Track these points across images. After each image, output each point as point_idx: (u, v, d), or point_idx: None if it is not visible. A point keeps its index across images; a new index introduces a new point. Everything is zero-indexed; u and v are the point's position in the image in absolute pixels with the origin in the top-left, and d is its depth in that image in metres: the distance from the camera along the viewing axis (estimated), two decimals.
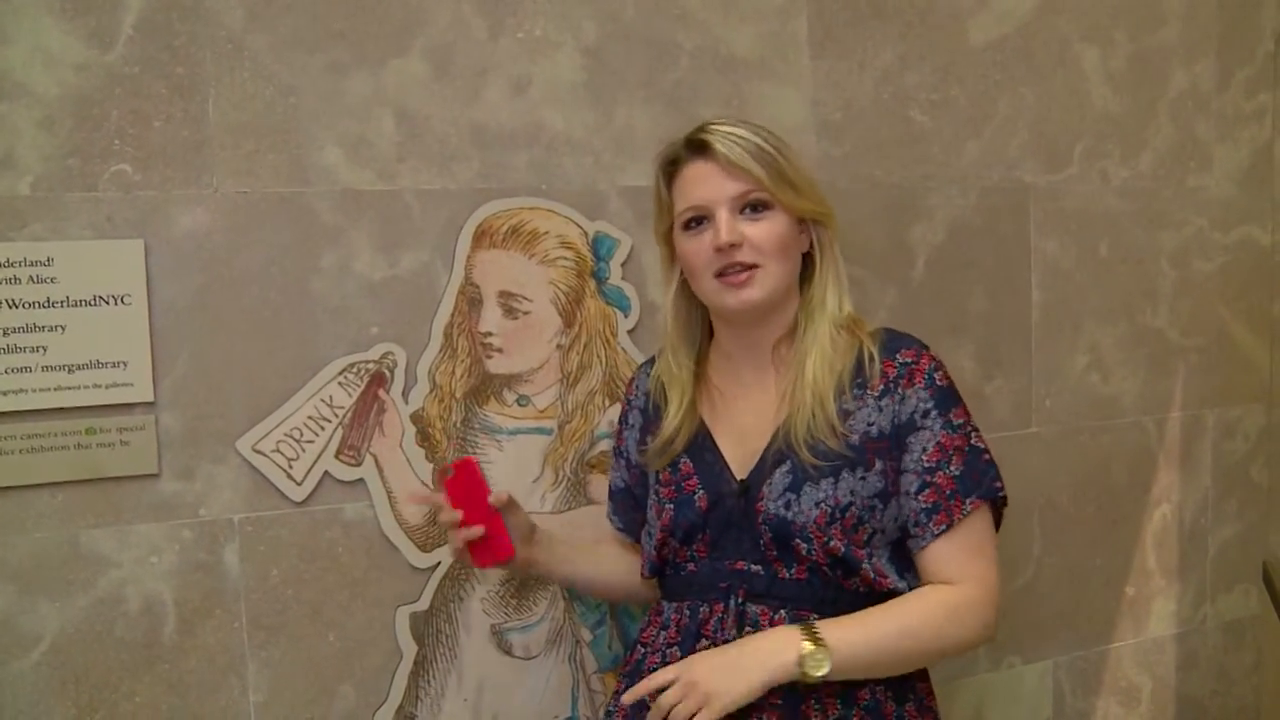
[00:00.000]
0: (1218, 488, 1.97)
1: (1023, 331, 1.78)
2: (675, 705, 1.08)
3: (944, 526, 1.15)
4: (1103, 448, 1.86)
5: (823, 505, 1.14)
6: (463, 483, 1.27)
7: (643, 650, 1.26)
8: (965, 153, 1.72)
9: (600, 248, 1.47)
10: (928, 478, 1.15)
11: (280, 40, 1.33)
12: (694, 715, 1.07)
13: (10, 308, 1.23)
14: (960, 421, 1.18)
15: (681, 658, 1.18)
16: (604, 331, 1.48)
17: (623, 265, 1.49)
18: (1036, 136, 1.77)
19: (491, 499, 1.26)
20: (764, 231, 1.15)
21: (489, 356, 1.42)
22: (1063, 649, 1.85)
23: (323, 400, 1.36)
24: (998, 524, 1.22)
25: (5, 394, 1.23)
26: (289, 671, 1.37)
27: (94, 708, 1.29)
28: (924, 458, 1.15)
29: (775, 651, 1.08)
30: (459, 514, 1.26)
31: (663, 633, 1.23)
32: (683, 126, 1.49)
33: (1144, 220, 1.87)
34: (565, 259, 1.45)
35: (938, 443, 1.16)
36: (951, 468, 1.15)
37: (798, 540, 1.15)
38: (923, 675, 1.23)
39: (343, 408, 1.37)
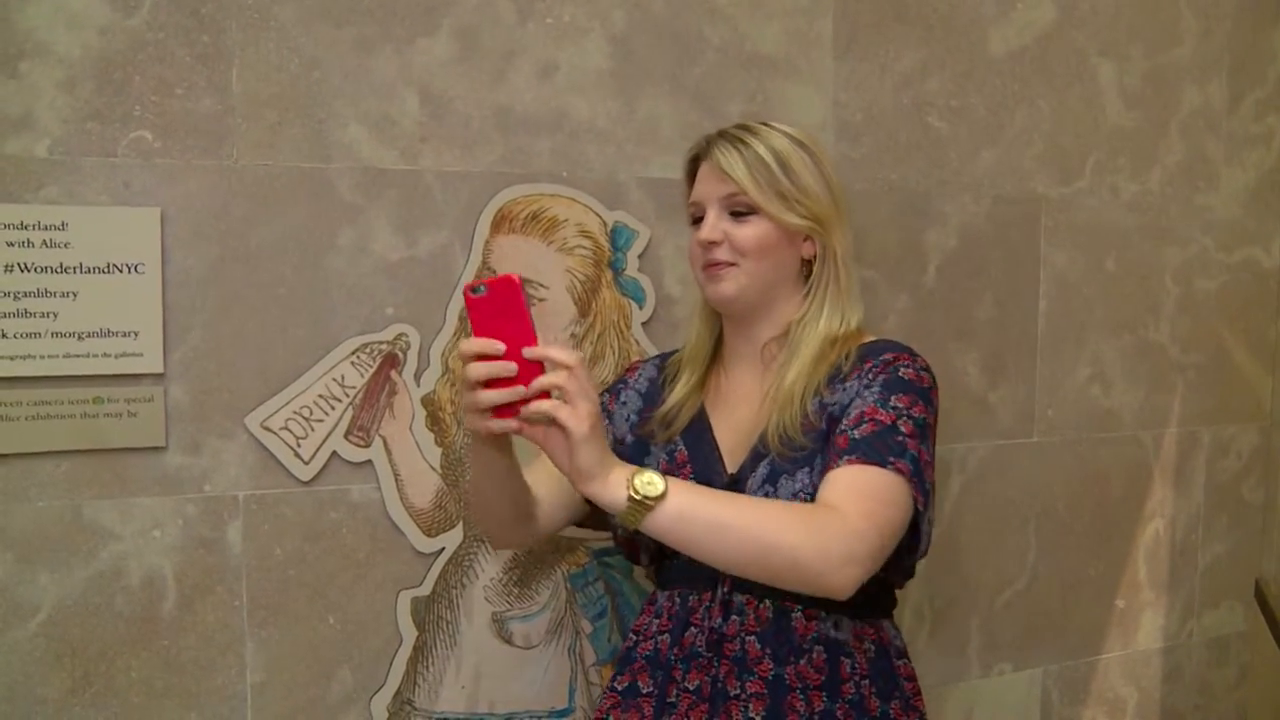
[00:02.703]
0: (1210, 505, 1.99)
1: (1028, 341, 1.79)
2: (562, 388, 0.99)
3: (818, 472, 1.12)
4: (1101, 460, 1.87)
5: (800, 495, 1.14)
6: (498, 308, 0.99)
7: (635, 638, 1.26)
8: (980, 161, 1.72)
9: (618, 238, 1.46)
10: (835, 437, 1.13)
11: (307, 12, 1.31)
12: (562, 407, 0.98)
13: (22, 271, 1.21)
14: (900, 405, 1.13)
15: (671, 645, 1.19)
16: (618, 323, 1.47)
17: (640, 257, 1.48)
18: (1050, 148, 1.78)
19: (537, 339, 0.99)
20: (744, 234, 1.19)
21: None
22: (1053, 657, 1.86)
23: (334, 379, 1.34)
24: (918, 521, 1.15)
25: (13, 359, 1.21)
26: (287, 652, 1.35)
27: (89, 681, 1.27)
28: (845, 421, 1.13)
29: (625, 466, 1.02)
30: (494, 343, 0.98)
31: (655, 620, 1.24)
32: (705, 120, 1.51)
33: (1150, 236, 1.89)
34: (583, 248, 1.44)
35: (861, 411, 1.13)
36: (857, 432, 1.11)
37: None
38: (909, 675, 1.23)
39: (354, 388, 1.35)
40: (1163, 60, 1.87)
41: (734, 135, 1.20)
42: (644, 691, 1.20)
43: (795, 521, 1.05)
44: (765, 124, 1.22)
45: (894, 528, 1.09)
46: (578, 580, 1.48)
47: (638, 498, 1.00)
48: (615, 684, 1.24)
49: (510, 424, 1.00)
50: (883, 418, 1.12)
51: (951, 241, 1.71)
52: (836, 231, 1.21)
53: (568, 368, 0.99)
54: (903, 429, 1.12)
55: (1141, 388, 1.90)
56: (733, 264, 1.19)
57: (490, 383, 0.99)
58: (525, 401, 0.99)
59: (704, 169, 1.22)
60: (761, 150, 1.18)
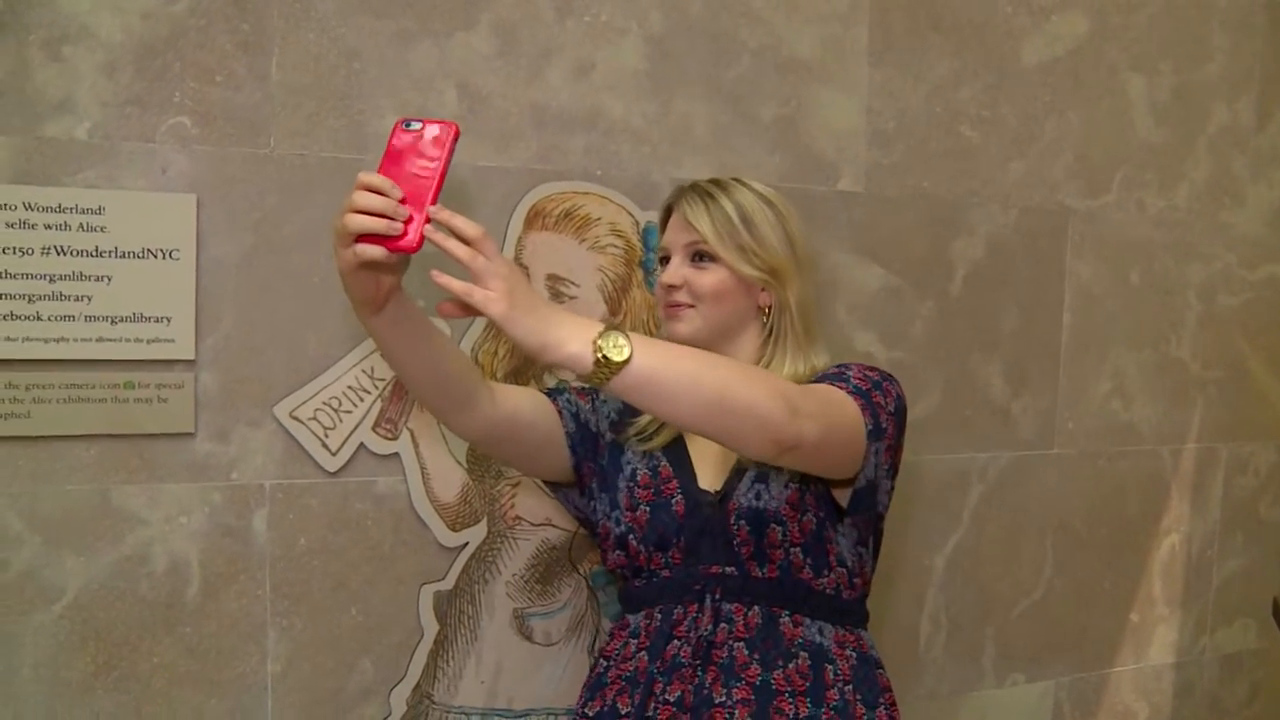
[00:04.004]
0: (1226, 521, 1.99)
1: (1052, 353, 1.79)
2: (466, 265, 0.95)
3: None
4: (1119, 473, 1.87)
5: (791, 485, 1.18)
6: (419, 154, 0.94)
7: (605, 663, 1.24)
8: (1010, 172, 1.72)
9: (650, 238, 1.46)
10: None
11: (348, 4, 1.31)
12: (475, 290, 0.94)
13: (58, 254, 1.21)
14: (851, 366, 1.20)
15: (651, 660, 1.18)
16: (647, 322, 1.47)
17: None
18: (1079, 161, 1.78)
19: (438, 201, 0.94)
20: (703, 280, 1.24)
21: None
22: (1066, 670, 1.86)
23: (364, 371, 1.34)
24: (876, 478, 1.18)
25: (47, 342, 1.21)
26: (309, 642, 1.35)
27: (112, 665, 1.27)
28: None
29: (582, 325, 0.97)
30: (394, 186, 0.93)
31: (632, 641, 1.23)
32: (739, 122, 1.51)
33: (1175, 251, 1.89)
34: (615, 247, 1.44)
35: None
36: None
37: (773, 526, 1.17)
38: (887, 686, 1.24)
39: (383, 380, 1.35)
40: (1192, 76, 1.87)
41: (704, 189, 1.26)
42: (623, 712, 1.18)
43: (750, 372, 1.07)
44: (738, 180, 1.27)
45: (836, 417, 1.10)
46: (599, 578, 1.48)
47: (602, 358, 0.95)
48: (586, 709, 1.22)
49: (377, 250, 0.92)
50: (832, 372, 1.19)
51: (979, 251, 1.71)
52: (793, 285, 1.25)
53: (471, 242, 0.94)
54: (849, 373, 1.18)
55: (1161, 402, 1.90)
56: (691, 305, 1.24)
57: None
58: (398, 242, 0.92)
59: (674, 218, 1.28)
60: (727, 204, 1.24)
